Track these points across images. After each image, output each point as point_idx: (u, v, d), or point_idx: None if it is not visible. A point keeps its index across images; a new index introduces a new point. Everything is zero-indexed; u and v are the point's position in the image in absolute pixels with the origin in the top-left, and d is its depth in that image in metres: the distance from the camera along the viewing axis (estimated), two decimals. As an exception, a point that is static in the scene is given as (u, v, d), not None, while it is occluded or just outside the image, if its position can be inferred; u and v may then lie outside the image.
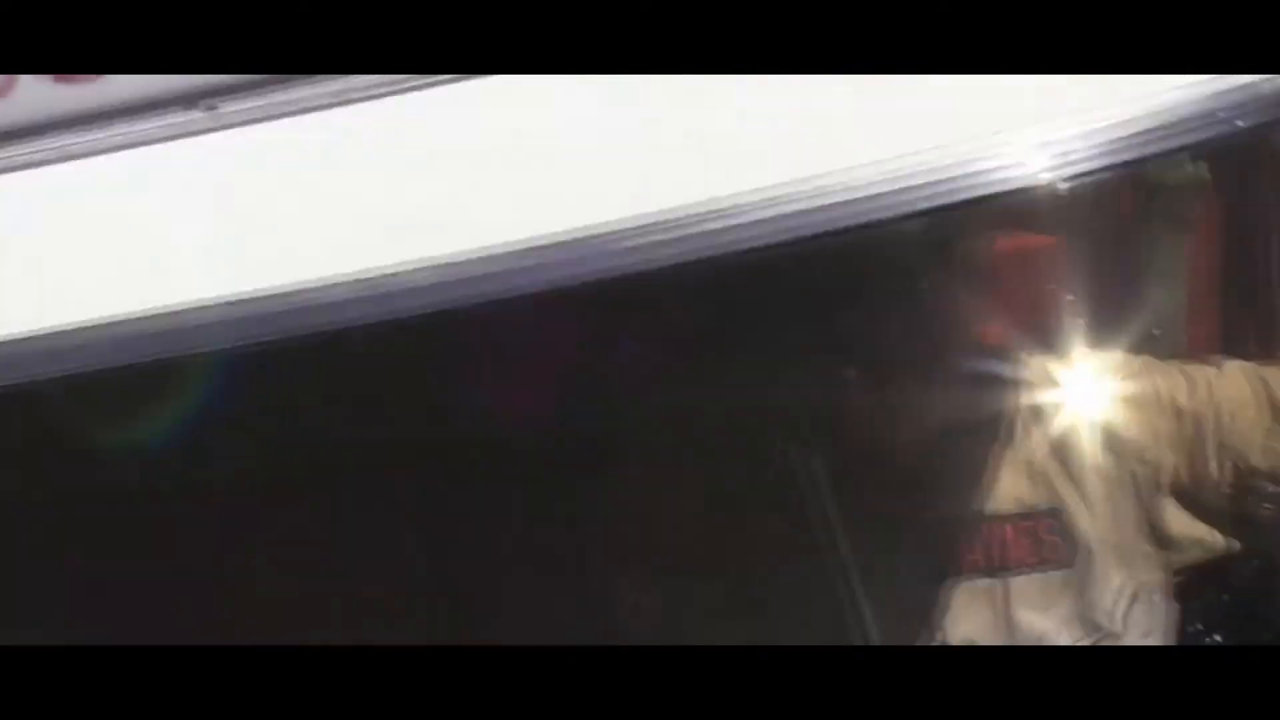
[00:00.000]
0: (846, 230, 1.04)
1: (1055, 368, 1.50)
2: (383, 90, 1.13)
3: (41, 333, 1.02)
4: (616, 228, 1.07)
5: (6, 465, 1.11)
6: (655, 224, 1.06)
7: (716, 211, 1.06)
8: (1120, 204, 1.68)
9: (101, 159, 1.16)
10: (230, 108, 1.16)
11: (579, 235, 1.03)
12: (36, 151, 1.17)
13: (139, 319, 1.08)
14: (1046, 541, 1.48)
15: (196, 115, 1.16)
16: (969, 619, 1.46)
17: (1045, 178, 1.06)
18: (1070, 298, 1.55)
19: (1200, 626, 1.57)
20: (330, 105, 1.15)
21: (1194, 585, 1.53)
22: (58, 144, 1.17)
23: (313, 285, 1.05)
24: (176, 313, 1.09)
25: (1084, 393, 1.51)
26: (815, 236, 1.07)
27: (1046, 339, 1.49)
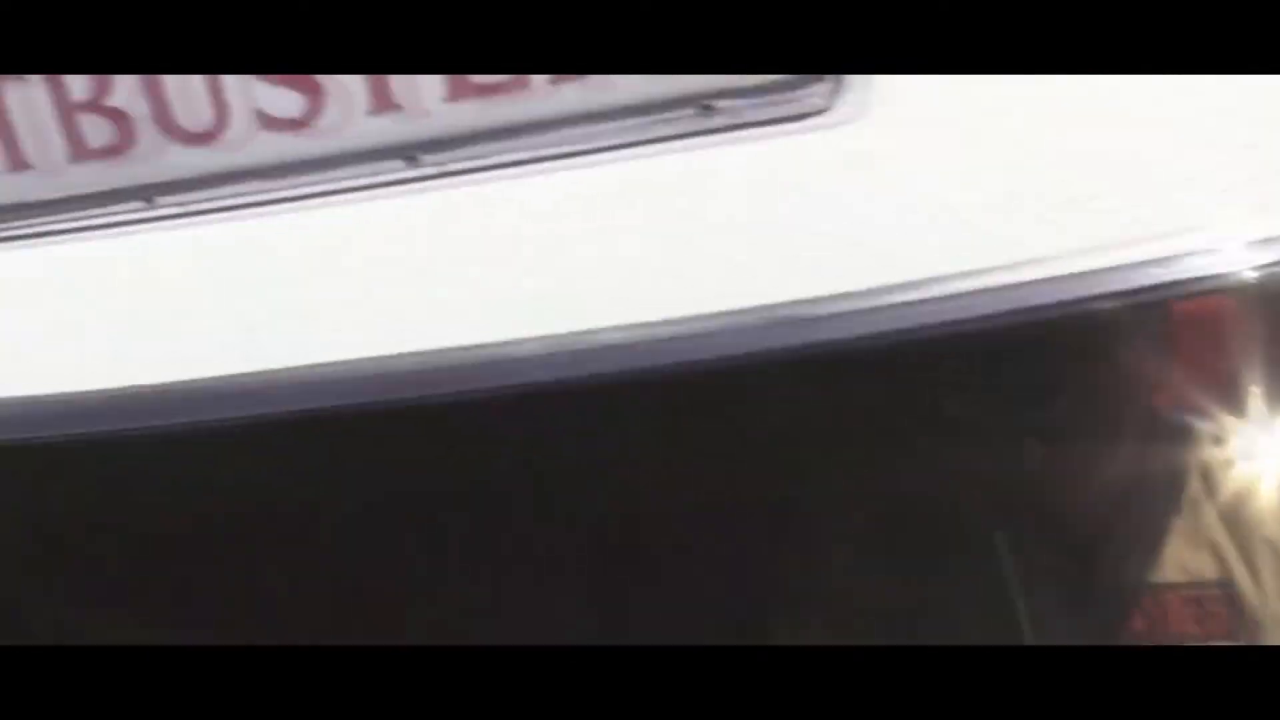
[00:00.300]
0: (1043, 310, 1.05)
1: (1230, 437, 1.47)
2: (595, 152, 1.16)
3: (295, 367, 1.08)
4: (812, 298, 1.09)
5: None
6: (849, 295, 1.08)
7: (913, 284, 1.07)
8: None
9: (316, 205, 1.21)
10: (433, 159, 1.20)
11: (783, 304, 1.05)
12: (251, 195, 1.23)
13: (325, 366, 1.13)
14: (1213, 614, 1.46)
15: (397, 166, 1.21)
16: (1130, 687, 1.44)
17: (1250, 273, 1.06)
18: (1249, 365, 1.52)
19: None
20: (539, 161, 1.18)
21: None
22: (271, 188, 1.22)
23: (516, 340, 1.08)
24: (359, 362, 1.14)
25: (1259, 464, 1.49)
26: (1008, 315, 1.08)
27: (1222, 407, 1.47)
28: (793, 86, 1.14)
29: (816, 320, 1.10)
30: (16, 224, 1.30)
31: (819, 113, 1.15)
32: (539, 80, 1.16)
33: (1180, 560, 1.45)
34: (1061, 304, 1.13)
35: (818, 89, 1.14)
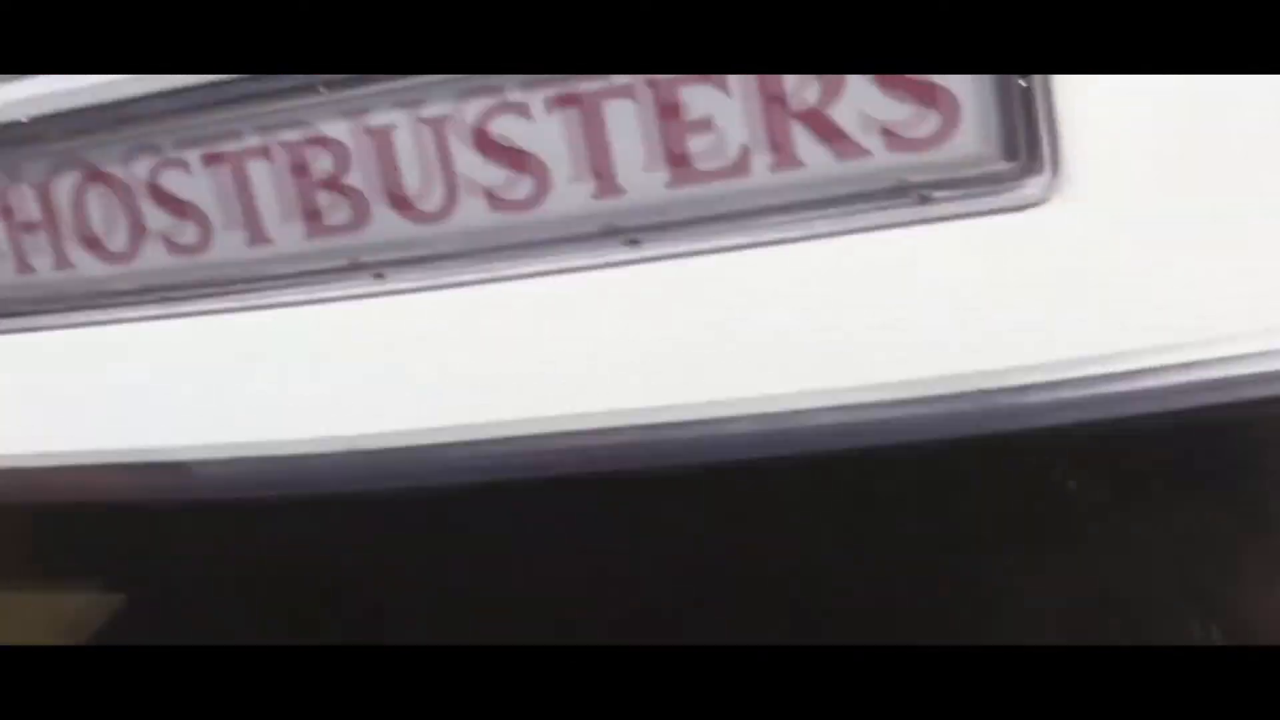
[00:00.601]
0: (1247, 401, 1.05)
1: None
2: (809, 239, 1.20)
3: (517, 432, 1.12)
4: (1012, 379, 1.10)
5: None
6: (1055, 380, 1.08)
7: (1119, 372, 1.07)
8: None
9: (530, 283, 1.27)
10: (650, 241, 1.25)
11: (989, 388, 1.06)
12: (474, 272, 1.29)
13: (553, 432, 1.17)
14: None
15: (617, 246, 1.26)
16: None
17: None
18: None
19: None
20: (745, 247, 1.22)
21: None
22: (492, 266, 1.28)
23: (726, 416, 1.11)
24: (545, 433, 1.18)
25: None
26: (1213, 404, 1.07)
27: None
28: (1009, 178, 1.17)
29: (1019, 406, 1.11)
30: (254, 291, 1.38)
31: (1034, 205, 1.17)
32: (759, 166, 1.20)
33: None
34: (1267, 396, 1.12)
35: (1034, 181, 1.16)
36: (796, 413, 1.14)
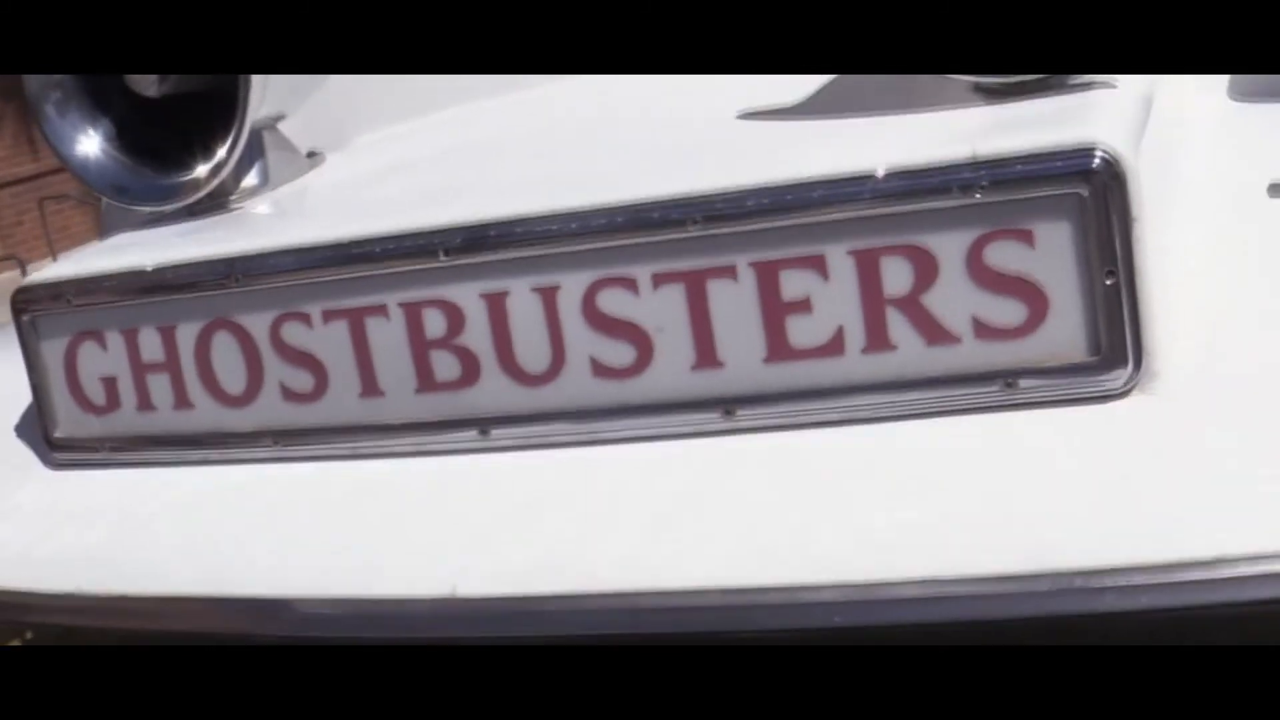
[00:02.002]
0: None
1: None
2: (896, 419, 1.26)
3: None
4: (1096, 568, 1.13)
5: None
6: (1135, 568, 1.12)
7: (1200, 562, 1.10)
8: None
9: (632, 446, 1.33)
10: (747, 413, 1.31)
11: (1067, 571, 1.10)
12: (581, 434, 1.36)
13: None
14: None
15: (714, 417, 1.32)
16: None
17: None
18: None
19: None
20: (838, 424, 1.28)
21: None
22: (596, 428, 1.35)
23: (812, 585, 1.15)
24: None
25: None
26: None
27: None
28: (1093, 370, 1.22)
29: (1098, 590, 1.14)
30: (364, 443, 1.45)
31: (1118, 395, 1.22)
32: (852, 348, 1.27)
33: None
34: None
35: (1117, 373, 1.21)
36: (878, 584, 1.17)
